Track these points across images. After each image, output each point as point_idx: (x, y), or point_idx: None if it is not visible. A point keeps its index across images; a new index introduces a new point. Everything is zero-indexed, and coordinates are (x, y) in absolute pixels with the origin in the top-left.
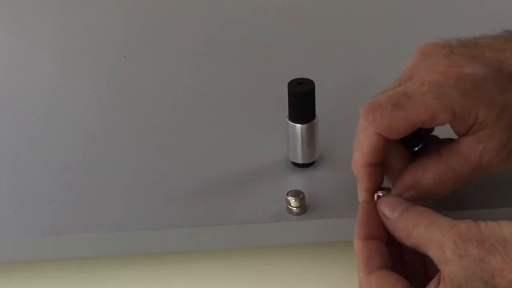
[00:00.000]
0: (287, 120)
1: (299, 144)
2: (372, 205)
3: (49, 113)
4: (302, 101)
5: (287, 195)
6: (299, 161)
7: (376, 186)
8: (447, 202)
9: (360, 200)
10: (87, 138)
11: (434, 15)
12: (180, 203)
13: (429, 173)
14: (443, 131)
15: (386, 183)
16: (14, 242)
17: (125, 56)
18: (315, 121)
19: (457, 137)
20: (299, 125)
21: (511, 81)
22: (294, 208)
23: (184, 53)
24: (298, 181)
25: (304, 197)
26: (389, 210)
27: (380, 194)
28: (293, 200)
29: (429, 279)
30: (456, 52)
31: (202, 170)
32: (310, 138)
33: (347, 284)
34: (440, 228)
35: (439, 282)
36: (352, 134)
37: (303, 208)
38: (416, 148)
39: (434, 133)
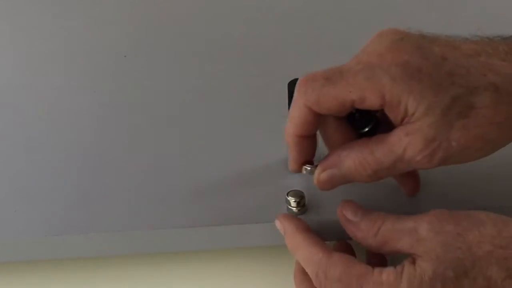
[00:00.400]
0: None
1: None
2: None
3: (49, 113)
4: None
5: (287, 195)
6: None
7: (305, 158)
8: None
9: (290, 170)
10: (87, 138)
11: (434, 15)
12: (180, 203)
13: (352, 155)
14: None
15: None
16: (14, 242)
17: (125, 56)
18: None
19: None
20: None
21: (448, 79)
22: (294, 208)
23: (184, 53)
24: (298, 181)
25: (304, 197)
26: (351, 213)
27: (308, 168)
28: (293, 200)
29: None
30: (405, 39)
31: (202, 170)
32: None
33: None
34: (409, 218)
35: (413, 261)
36: None
37: (303, 208)
38: (364, 130)
39: None
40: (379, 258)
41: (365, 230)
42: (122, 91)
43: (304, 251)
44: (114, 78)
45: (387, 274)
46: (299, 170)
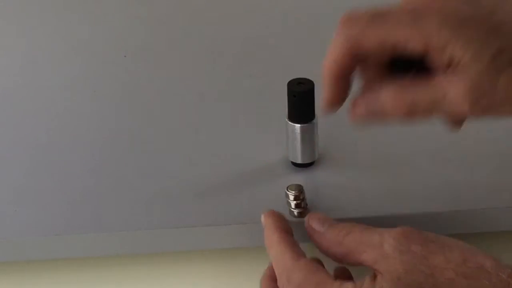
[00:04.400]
0: (287, 120)
1: (298, 144)
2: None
3: (49, 113)
4: (301, 101)
5: (287, 189)
6: (299, 161)
7: (337, 98)
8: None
9: (321, 108)
10: (87, 138)
11: None
12: (180, 203)
13: (391, 87)
14: None
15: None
16: (14, 242)
17: (125, 56)
18: (314, 121)
19: None
20: (299, 125)
21: (496, 30)
22: (293, 202)
23: (184, 53)
24: (298, 181)
25: (303, 191)
26: (317, 223)
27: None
28: (292, 193)
29: None
30: None
31: (202, 170)
32: (310, 138)
33: None
34: (376, 231)
35: (374, 278)
36: (352, 135)
37: (303, 202)
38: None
39: None
40: (344, 272)
41: (330, 239)
42: (122, 91)
43: (276, 250)
44: (114, 78)
45: (346, 287)
46: (328, 110)
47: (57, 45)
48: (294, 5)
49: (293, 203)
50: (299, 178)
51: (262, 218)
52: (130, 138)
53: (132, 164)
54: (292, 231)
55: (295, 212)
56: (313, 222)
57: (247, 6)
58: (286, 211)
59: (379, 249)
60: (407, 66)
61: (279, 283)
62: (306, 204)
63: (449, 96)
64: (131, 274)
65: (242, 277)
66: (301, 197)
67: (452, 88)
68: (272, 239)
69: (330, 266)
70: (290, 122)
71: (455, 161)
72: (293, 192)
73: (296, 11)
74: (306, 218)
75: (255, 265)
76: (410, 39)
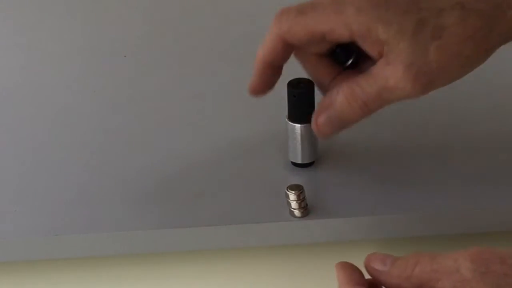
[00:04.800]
0: (287, 120)
1: (298, 144)
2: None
3: (49, 113)
4: (301, 101)
5: (287, 189)
6: (299, 161)
7: (262, 85)
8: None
9: (248, 91)
10: (87, 138)
11: None
12: (180, 203)
13: (341, 90)
14: None
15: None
16: (14, 242)
17: (125, 56)
18: None
19: None
20: (299, 125)
21: (414, 5)
22: (294, 202)
23: (184, 53)
24: (298, 181)
25: (303, 190)
26: (379, 263)
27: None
28: (293, 193)
29: None
30: None
31: (202, 170)
32: (310, 138)
33: None
34: (447, 256)
35: None
36: (352, 135)
37: (303, 202)
38: (347, 64)
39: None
40: None
41: (398, 275)
42: (122, 91)
43: None
44: (114, 78)
45: None
46: (253, 94)
47: (57, 45)
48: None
49: (293, 203)
50: (299, 178)
51: (335, 270)
52: (130, 138)
53: (132, 164)
54: (366, 283)
55: (295, 212)
56: (374, 263)
57: (247, 6)
58: (286, 211)
59: (456, 274)
60: (348, 53)
61: None
62: (306, 204)
63: (390, 83)
64: (131, 274)
65: (242, 277)
66: (301, 197)
67: (390, 74)
68: None
69: None
70: (290, 122)
71: (455, 161)
72: (293, 192)
73: None
74: (365, 261)
75: (255, 265)
76: (335, 28)
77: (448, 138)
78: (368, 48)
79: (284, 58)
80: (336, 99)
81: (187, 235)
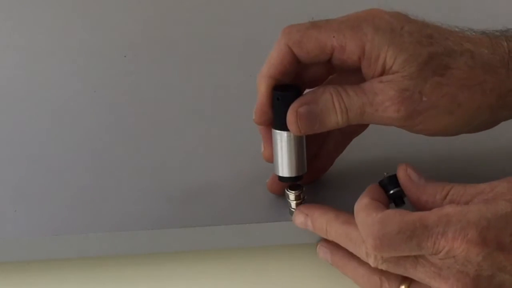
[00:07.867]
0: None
1: (285, 154)
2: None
3: (49, 113)
4: (286, 105)
5: (287, 189)
6: (286, 174)
7: (269, 106)
8: None
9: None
10: (87, 138)
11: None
12: (180, 203)
13: (328, 89)
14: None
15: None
16: (14, 242)
17: (125, 56)
18: None
19: None
20: (285, 132)
21: (427, 40)
22: (293, 202)
23: (184, 53)
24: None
25: (303, 190)
26: (416, 175)
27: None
28: (292, 193)
29: None
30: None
31: (202, 170)
32: (298, 148)
33: (348, 284)
34: (482, 184)
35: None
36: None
37: (303, 201)
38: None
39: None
40: None
41: (432, 193)
42: (122, 91)
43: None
44: (114, 78)
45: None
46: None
47: (57, 45)
48: (295, 5)
49: (293, 203)
50: None
51: (319, 249)
52: (130, 138)
53: (132, 164)
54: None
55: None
56: (411, 173)
57: (248, 6)
58: (286, 211)
59: (489, 193)
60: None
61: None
62: None
63: (377, 99)
64: (131, 274)
65: (242, 277)
66: (301, 197)
67: (381, 91)
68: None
69: None
70: (274, 130)
71: (455, 164)
72: (293, 192)
73: (297, 11)
74: (400, 169)
75: (254, 265)
76: (347, 44)
77: (449, 143)
78: (370, 69)
79: (290, 73)
80: (321, 97)
81: (187, 235)
